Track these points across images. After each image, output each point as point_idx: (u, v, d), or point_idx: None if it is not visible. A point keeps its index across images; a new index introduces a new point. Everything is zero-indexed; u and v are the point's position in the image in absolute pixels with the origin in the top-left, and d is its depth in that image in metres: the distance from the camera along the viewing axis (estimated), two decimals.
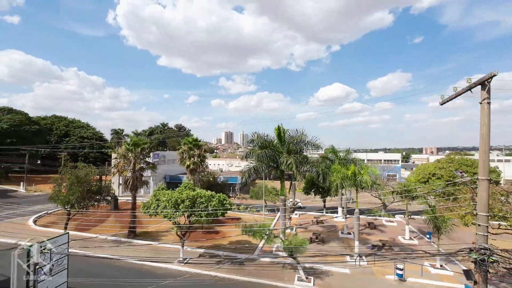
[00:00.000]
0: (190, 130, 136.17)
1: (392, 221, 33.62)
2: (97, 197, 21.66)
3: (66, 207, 20.39)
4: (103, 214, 27.01)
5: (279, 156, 21.58)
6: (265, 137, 22.88)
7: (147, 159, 25.11)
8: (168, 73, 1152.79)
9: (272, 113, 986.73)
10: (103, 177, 37.85)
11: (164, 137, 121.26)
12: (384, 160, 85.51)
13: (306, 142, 21.27)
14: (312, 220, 32.88)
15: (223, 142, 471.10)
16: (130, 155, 23.73)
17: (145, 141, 25.32)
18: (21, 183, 60.17)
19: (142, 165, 24.82)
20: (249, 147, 22.95)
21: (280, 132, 22.10)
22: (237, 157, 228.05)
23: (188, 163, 35.07)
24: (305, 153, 23.25)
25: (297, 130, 22.38)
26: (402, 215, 30.73)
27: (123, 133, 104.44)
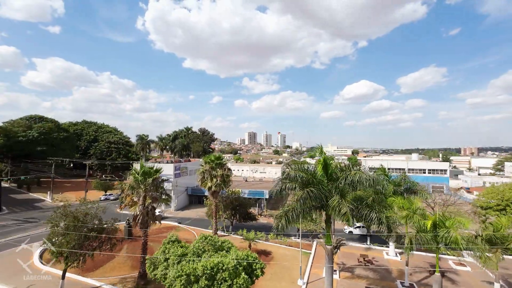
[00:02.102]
0: (214, 134, 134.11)
1: (464, 265, 26.44)
2: (98, 243, 17.84)
3: (58, 258, 16.75)
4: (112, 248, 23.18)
5: (326, 196, 16.17)
6: (306, 170, 17.49)
7: (160, 191, 20.84)
8: (193, 74, 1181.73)
9: (295, 112, 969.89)
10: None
11: (189, 142, 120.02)
12: (429, 170, 75.53)
13: (364, 179, 15.51)
14: (359, 260, 26.83)
15: (246, 143, 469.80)
16: (139, 187, 19.66)
17: (157, 169, 21.02)
18: (48, 192, 60.50)
19: (152, 200, 20.63)
20: (284, 182, 17.71)
21: (326, 164, 16.61)
22: (261, 158, 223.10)
23: (209, 184, 30.70)
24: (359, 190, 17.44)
25: (349, 163, 16.69)
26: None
27: (148, 139, 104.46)
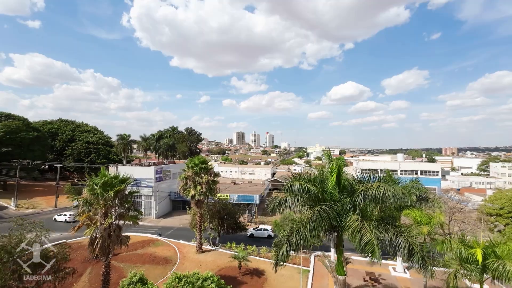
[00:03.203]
0: (201, 133, 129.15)
1: None
2: (36, 281, 13.33)
3: None
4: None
5: (338, 215, 12.50)
6: (314, 180, 13.72)
7: (126, 205, 16.42)
8: (181, 73, 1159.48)
9: (283, 112, 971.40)
10: None
11: (174, 142, 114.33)
12: (421, 171, 74.15)
13: (391, 194, 11.87)
14: (365, 279, 23.44)
15: (234, 143, 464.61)
16: (98, 202, 15.25)
17: (124, 179, 16.66)
18: (12, 198, 53.95)
19: (114, 219, 16.18)
20: (285, 195, 13.86)
21: (339, 173, 12.92)
22: (249, 159, 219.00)
23: (193, 192, 26.46)
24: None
25: (369, 174, 13.08)
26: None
27: (130, 138, 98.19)
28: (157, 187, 45.49)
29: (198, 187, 26.35)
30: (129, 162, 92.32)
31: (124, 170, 47.95)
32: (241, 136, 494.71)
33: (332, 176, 12.84)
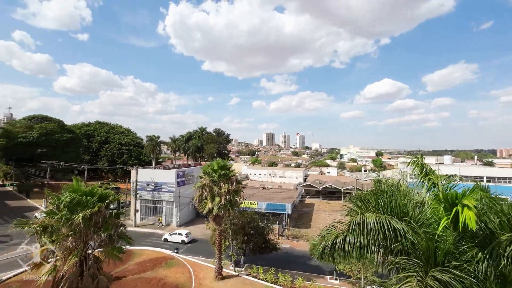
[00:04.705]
0: (229, 134, 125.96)
1: None
2: None
3: None
4: None
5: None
6: (401, 212, 7.46)
7: (106, 232, 11.59)
8: (212, 77, 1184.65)
9: (314, 112, 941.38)
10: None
11: (202, 143, 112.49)
12: (487, 178, 61.50)
13: None
14: None
15: (264, 144, 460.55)
16: (64, 225, 10.61)
17: (105, 195, 11.86)
18: (44, 199, 54.60)
19: (86, 254, 11.35)
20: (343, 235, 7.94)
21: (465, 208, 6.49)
22: (279, 160, 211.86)
23: (210, 206, 21.31)
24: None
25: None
26: None
27: (159, 140, 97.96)
28: (179, 192, 41.60)
29: (217, 199, 21.15)
30: (158, 163, 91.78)
31: (145, 173, 45.64)
32: (270, 137, 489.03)
33: (446, 212, 6.49)
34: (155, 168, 51.30)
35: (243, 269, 26.10)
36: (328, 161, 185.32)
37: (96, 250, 12.40)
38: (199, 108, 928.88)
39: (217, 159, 25.05)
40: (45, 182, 59.84)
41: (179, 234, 34.32)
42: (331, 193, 64.47)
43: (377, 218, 7.17)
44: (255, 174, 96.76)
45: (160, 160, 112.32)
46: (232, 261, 25.73)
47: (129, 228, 39.30)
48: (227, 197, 21.48)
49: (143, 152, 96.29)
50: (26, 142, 63.26)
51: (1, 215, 46.24)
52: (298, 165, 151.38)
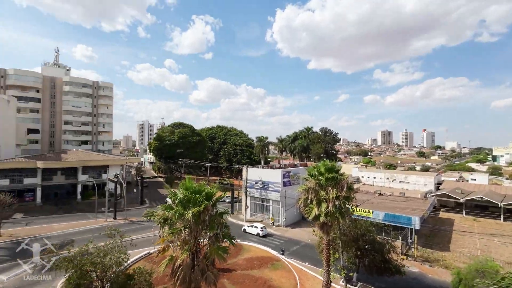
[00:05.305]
0: (337, 133, 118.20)
1: None
2: None
3: None
4: None
5: None
6: None
7: (213, 232, 11.52)
8: (318, 75, 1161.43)
9: (448, 103, 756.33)
10: None
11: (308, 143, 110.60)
12: None
13: None
14: None
15: (379, 143, 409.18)
16: (178, 220, 11.17)
17: (211, 193, 11.98)
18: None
19: (197, 249, 11.51)
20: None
21: None
22: (399, 162, 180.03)
23: (316, 212, 19.12)
24: None
25: None
26: None
27: (267, 140, 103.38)
28: (285, 192, 41.36)
29: (323, 205, 18.71)
30: (267, 163, 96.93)
31: (254, 172, 48.25)
32: (387, 135, 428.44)
33: None
34: (263, 167, 53.44)
35: (357, 287, 22.41)
36: (473, 165, 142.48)
37: (205, 246, 12.77)
38: (304, 108, 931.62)
39: (324, 159, 22.53)
40: (182, 176, 74.14)
41: (255, 227, 37.10)
42: (482, 208, 48.25)
43: None
44: (368, 177, 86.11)
45: (269, 159, 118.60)
46: (343, 276, 22.48)
47: (239, 222, 42.76)
48: (336, 203, 18.64)
49: (254, 152, 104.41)
50: (170, 143, 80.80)
51: (154, 200, 60.37)
52: (425, 169, 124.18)
